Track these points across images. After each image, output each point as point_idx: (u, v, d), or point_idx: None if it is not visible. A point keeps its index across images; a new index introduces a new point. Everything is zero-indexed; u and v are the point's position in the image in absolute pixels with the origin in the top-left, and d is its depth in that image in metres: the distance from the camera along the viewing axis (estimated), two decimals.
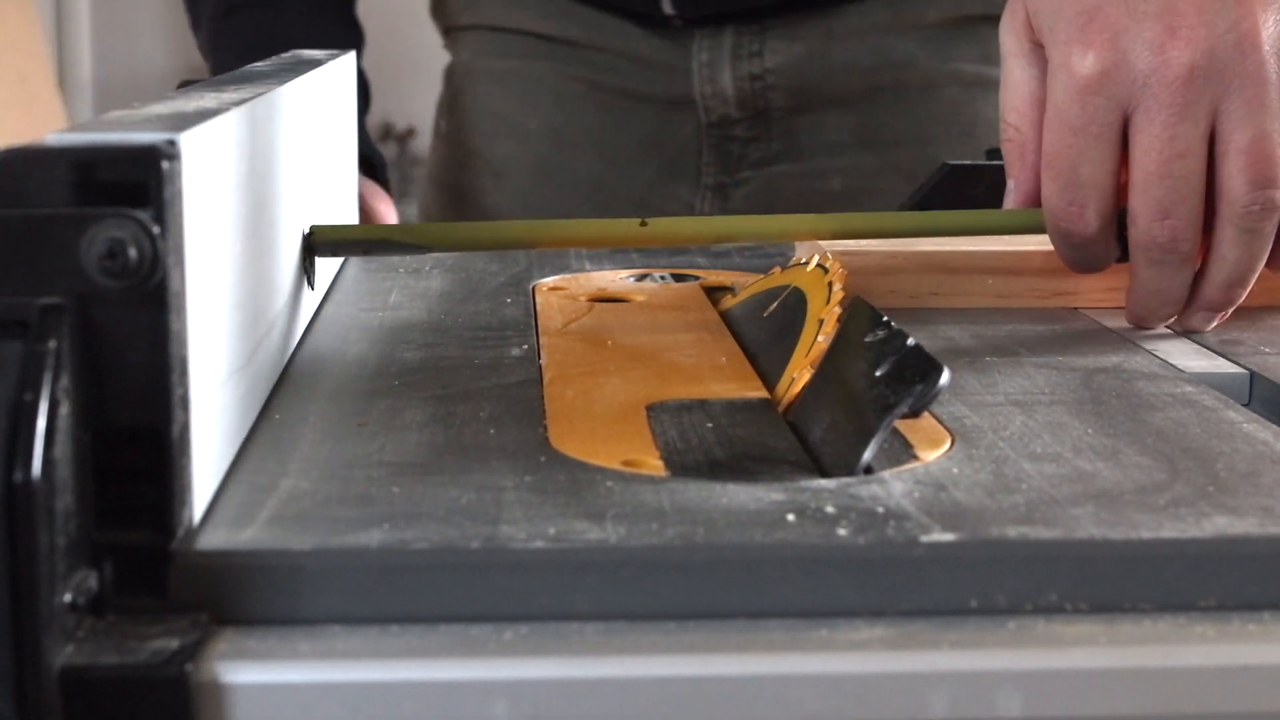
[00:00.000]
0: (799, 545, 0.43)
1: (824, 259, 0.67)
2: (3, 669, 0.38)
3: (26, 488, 0.38)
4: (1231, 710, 0.41)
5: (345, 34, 1.14)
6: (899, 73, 1.10)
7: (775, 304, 0.66)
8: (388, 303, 0.74)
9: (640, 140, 1.12)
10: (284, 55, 0.80)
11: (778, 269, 0.71)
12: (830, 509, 0.46)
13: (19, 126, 2.90)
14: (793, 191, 1.10)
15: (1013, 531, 0.44)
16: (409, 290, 0.77)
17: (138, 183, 0.41)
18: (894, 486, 0.48)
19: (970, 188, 0.84)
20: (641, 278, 0.81)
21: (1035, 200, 0.72)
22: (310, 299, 0.69)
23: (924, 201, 0.85)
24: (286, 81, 0.63)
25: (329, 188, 0.77)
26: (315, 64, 0.74)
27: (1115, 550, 0.44)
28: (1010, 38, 0.72)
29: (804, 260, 0.68)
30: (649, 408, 0.56)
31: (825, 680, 0.41)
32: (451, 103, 1.19)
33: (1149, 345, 0.68)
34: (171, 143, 0.42)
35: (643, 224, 0.70)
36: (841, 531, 0.44)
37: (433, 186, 1.21)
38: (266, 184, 0.57)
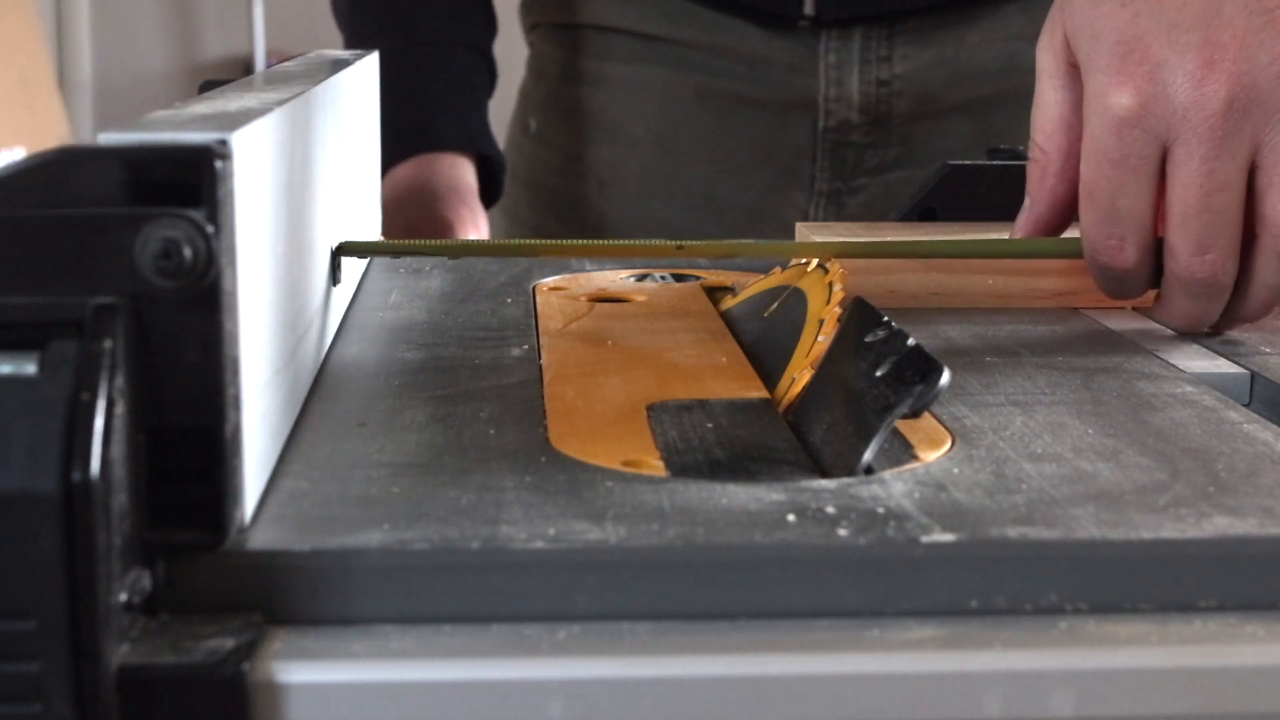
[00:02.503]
0: (799, 545, 0.43)
1: (824, 259, 0.67)
2: (61, 669, 0.38)
3: (85, 487, 0.38)
4: None
5: (473, 17, 1.12)
6: (1024, 79, 1.07)
7: (775, 304, 0.66)
8: (388, 303, 0.74)
9: (752, 147, 1.10)
10: (310, 55, 0.80)
11: (778, 269, 0.71)
12: (830, 509, 0.46)
13: (19, 126, 2.90)
14: (905, 200, 1.08)
15: (1013, 532, 0.44)
16: (409, 290, 0.77)
17: (191, 182, 0.41)
18: (894, 487, 0.48)
19: (972, 188, 0.84)
20: (642, 278, 0.81)
21: (1046, 223, 0.72)
22: (340, 300, 0.69)
23: (924, 201, 0.85)
24: (320, 82, 0.63)
25: (356, 188, 0.77)
26: (344, 64, 0.74)
27: (1115, 550, 0.44)
28: (1047, 57, 0.71)
29: (804, 261, 0.68)
30: (649, 408, 0.56)
31: (879, 680, 0.41)
32: (546, 102, 1.16)
33: (1149, 345, 0.68)
34: (223, 142, 0.42)
35: (679, 247, 0.69)
36: (842, 532, 0.44)
37: (520, 186, 1.18)
38: (305, 184, 0.57)
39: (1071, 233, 0.72)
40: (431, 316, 0.71)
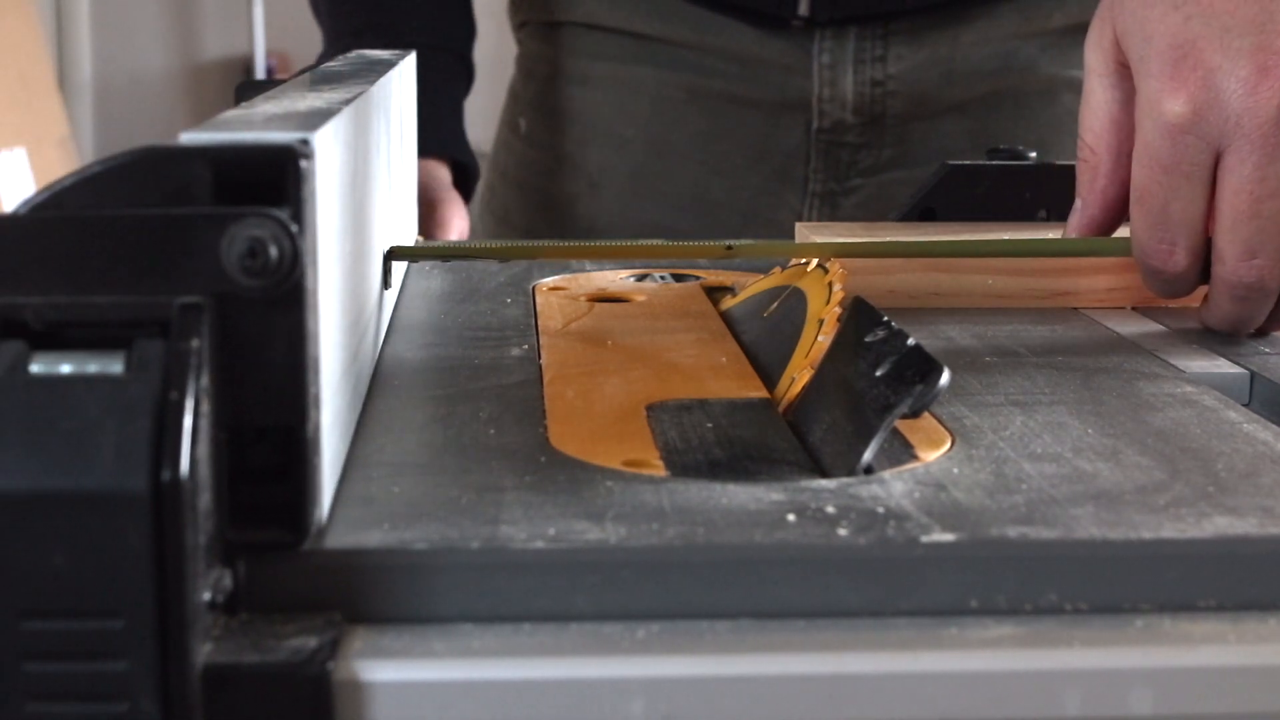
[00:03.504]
0: (799, 545, 0.43)
1: (824, 259, 0.67)
2: (148, 668, 0.38)
3: (175, 487, 0.38)
4: None
5: (452, 20, 1.11)
6: (1020, 79, 1.08)
7: (775, 304, 0.66)
8: (388, 303, 0.74)
9: (745, 148, 1.09)
10: (351, 55, 0.79)
11: (778, 269, 0.71)
12: (830, 509, 0.46)
13: (19, 126, 2.90)
14: (905, 200, 1.07)
15: (1013, 532, 0.44)
16: (409, 290, 0.77)
17: (274, 182, 0.41)
18: (894, 486, 0.48)
19: (971, 188, 0.84)
20: (642, 278, 0.81)
21: (1099, 224, 0.72)
22: (389, 300, 0.69)
23: (924, 201, 0.85)
24: (374, 83, 0.63)
25: (400, 189, 0.77)
26: (389, 65, 0.73)
27: (1115, 550, 0.44)
28: (1095, 55, 0.71)
29: (804, 260, 0.68)
30: (649, 408, 0.56)
31: (959, 678, 0.41)
32: (536, 102, 1.15)
33: (1149, 345, 0.68)
34: (305, 141, 0.42)
35: (728, 248, 0.69)
36: (841, 532, 0.44)
37: (510, 187, 1.17)
38: (364, 185, 0.57)
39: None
40: (431, 316, 0.71)
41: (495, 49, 1.14)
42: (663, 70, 1.09)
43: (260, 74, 3.65)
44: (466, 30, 1.12)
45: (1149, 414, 0.57)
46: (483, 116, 1.17)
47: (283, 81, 0.68)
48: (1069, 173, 0.85)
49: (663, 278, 0.82)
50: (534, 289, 0.78)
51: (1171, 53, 0.66)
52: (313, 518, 0.43)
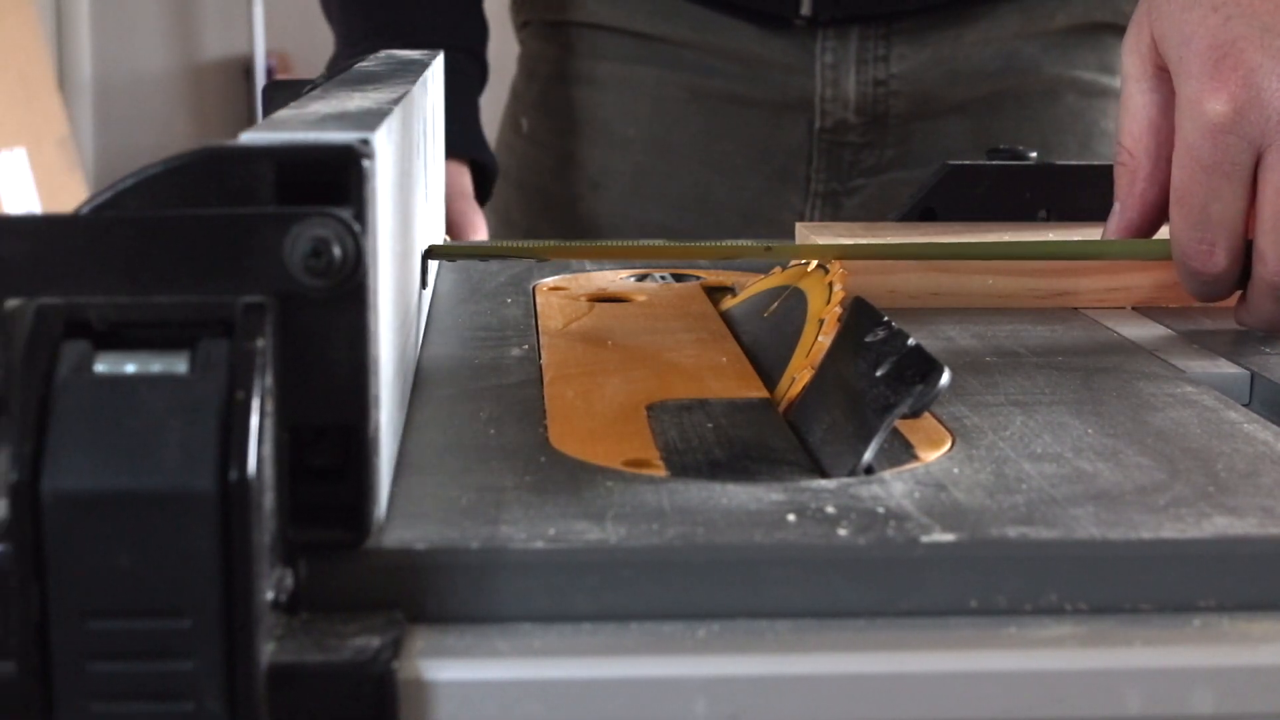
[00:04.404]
0: (799, 545, 0.43)
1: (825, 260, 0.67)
2: (214, 668, 0.38)
3: (242, 486, 0.38)
4: None
5: (466, 20, 1.11)
6: (1022, 79, 1.08)
7: (775, 304, 0.66)
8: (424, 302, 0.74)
9: (747, 147, 1.09)
10: (381, 55, 0.79)
11: (778, 269, 0.71)
12: (830, 509, 0.46)
13: (19, 126, 2.90)
14: (905, 200, 1.07)
15: (1013, 532, 0.44)
16: None
17: (336, 181, 0.41)
18: (894, 487, 0.48)
19: (971, 188, 0.84)
20: (642, 278, 0.81)
21: (1138, 227, 0.72)
22: (425, 299, 0.69)
23: (924, 201, 0.85)
24: (413, 83, 0.62)
25: (433, 188, 0.77)
26: (423, 65, 0.73)
27: (1115, 550, 0.44)
28: (1133, 59, 0.71)
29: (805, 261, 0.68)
30: (649, 408, 0.56)
31: (1022, 677, 0.41)
32: (538, 102, 1.15)
33: (1149, 345, 0.68)
34: (366, 141, 0.42)
35: (767, 249, 0.69)
36: (842, 532, 0.44)
37: (512, 187, 1.17)
38: (409, 184, 0.57)
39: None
40: (432, 316, 0.71)
41: (496, 49, 1.13)
42: (665, 70, 1.09)
43: (260, 74, 3.65)
44: (480, 29, 1.12)
45: (1149, 414, 0.57)
46: (485, 116, 1.17)
47: (309, 82, 0.68)
48: (1069, 173, 0.85)
49: (663, 278, 0.82)
50: (534, 289, 0.78)
51: (1212, 53, 0.66)
52: (373, 517, 0.43)
